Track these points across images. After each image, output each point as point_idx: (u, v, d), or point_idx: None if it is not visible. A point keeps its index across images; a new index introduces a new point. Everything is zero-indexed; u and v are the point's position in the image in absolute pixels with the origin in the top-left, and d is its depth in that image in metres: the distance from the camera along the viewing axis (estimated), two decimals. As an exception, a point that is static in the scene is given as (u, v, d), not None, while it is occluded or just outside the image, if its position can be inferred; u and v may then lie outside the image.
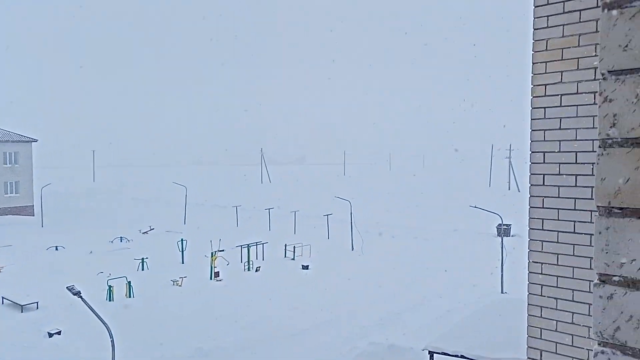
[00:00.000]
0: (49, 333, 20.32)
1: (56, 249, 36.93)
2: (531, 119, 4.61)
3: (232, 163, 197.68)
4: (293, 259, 34.27)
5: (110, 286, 25.31)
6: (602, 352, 1.30)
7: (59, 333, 20.37)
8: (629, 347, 1.23)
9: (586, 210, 4.30)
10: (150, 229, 45.62)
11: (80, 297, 13.43)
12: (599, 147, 1.19)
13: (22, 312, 23.09)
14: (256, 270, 31.33)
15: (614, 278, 1.24)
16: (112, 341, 13.25)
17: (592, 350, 1.38)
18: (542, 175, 4.54)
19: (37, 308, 23.41)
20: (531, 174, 4.62)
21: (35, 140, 56.87)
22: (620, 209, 1.18)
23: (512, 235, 39.52)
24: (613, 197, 1.18)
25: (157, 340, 19.76)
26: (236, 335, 20.61)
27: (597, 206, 1.23)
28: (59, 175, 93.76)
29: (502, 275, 27.00)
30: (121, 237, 40.95)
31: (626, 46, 1.10)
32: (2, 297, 24.46)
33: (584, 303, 4.29)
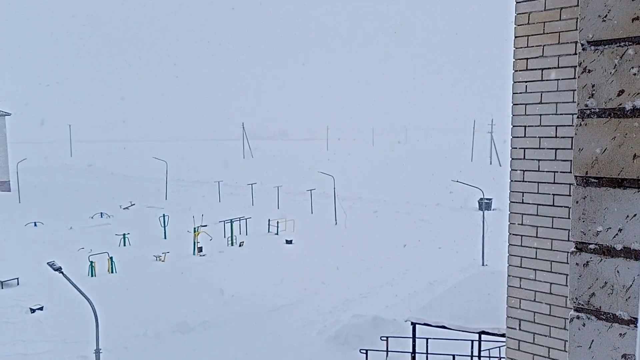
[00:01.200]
0: (30, 309, 20.23)
1: (35, 225, 36.48)
2: (512, 93, 4.63)
3: (212, 138, 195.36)
4: (277, 233, 34.39)
5: (91, 262, 25.18)
6: (578, 318, 1.34)
7: (41, 309, 20.29)
8: (603, 312, 1.28)
9: (565, 184, 4.37)
10: (131, 205, 45.22)
11: (62, 272, 13.32)
12: (577, 117, 1.21)
13: (2, 288, 22.89)
14: (240, 245, 31.40)
15: (590, 246, 1.28)
16: (96, 316, 13.23)
17: (568, 318, 1.42)
18: (522, 149, 4.59)
19: (18, 284, 23.23)
20: (512, 147, 4.67)
21: (9, 114, 55.40)
22: (597, 178, 1.20)
23: (493, 209, 40.11)
24: (590, 167, 1.20)
25: (141, 316, 19.82)
26: (220, 309, 20.76)
27: (575, 176, 1.25)
28: (34, 150, 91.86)
29: (483, 248, 27.51)
30: (101, 213, 40.56)
31: (605, 16, 1.11)
32: (-18, 274, 24.20)
33: (562, 274, 4.40)
